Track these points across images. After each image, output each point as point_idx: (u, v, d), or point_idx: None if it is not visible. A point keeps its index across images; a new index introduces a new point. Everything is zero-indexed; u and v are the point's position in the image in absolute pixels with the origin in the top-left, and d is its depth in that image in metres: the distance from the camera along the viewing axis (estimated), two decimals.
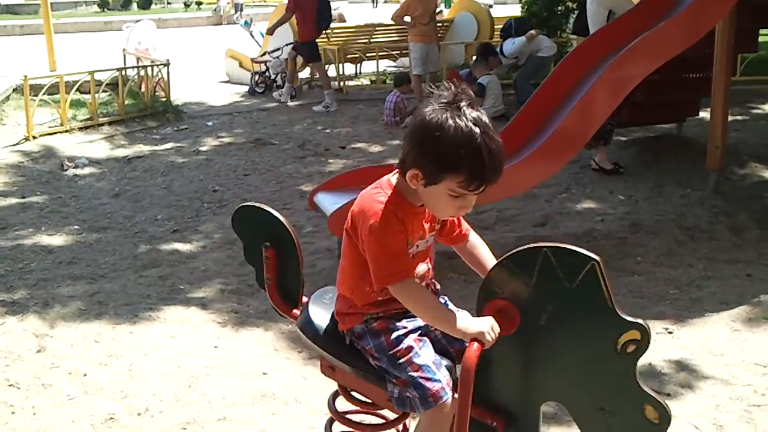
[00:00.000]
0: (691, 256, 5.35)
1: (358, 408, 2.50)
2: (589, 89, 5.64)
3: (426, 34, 11.34)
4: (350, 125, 10.57)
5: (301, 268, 2.50)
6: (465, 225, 2.35)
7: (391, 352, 2.19)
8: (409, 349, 2.17)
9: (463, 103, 1.97)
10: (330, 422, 2.53)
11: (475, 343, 1.97)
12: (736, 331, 4.21)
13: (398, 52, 14.68)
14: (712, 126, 6.55)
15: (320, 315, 2.41)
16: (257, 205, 2.58)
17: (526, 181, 5.73)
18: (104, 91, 10.76)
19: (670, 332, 4.23)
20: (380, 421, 2.55)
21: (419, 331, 2.24)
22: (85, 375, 3.91)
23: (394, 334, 2.20)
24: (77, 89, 10.32)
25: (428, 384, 2.12)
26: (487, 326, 1.98)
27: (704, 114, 7.83)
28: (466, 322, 2.03)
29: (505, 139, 6.33)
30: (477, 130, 1.93)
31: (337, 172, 7.64)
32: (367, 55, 14.65)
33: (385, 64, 15.34)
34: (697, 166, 6.94)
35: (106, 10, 36.66)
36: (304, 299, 2.54)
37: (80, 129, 9.98)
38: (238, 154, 9.06)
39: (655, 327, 4.29)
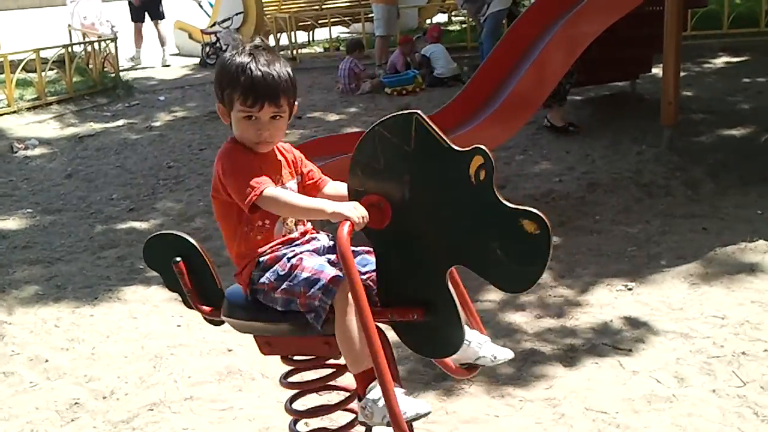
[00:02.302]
0: (648, 212, 5.42)
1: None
2: (543, 49, 5.65)
3: None
4: (305, 94, 10.45)
5: (213, 270, 2.51)
6: (323, 176, 2.49)
7: (285, 270, 2.26)
8: (300, 259, 2.27)
9: (248, 46, 2.29)
10: (290, 400, 2.53)
11: (346, 223, 2.05)
12: (694, 285, 4.29)
13: (351, 18, 14.54)
14: (665, 82, 6.60)
15: (236, 296, 2.42)
16: (154, 236, 2.60)
17: (484, 145, 5.72)
18: (51, 69, 10.49)
19: (630, 289, 4.30)
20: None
21: (309, 252, 2.33)
22: (46, 361, 3.85)
23: (284, 258, 2.30)
24: (23, 68, 10.05)
25: (322, 275, 2.19)
26: (350, 205, 2.11)
27: (657, 70, 7.88)
28: (333, 204, 2.15)
29: (462, 103, 6.34)
30: (247, 58, 2.25)
31: (294, 143, 7.45)
32: (320, 22, 14.49)
33: (338, 31, 15.18)
34: (652, 123, 7.01)
35: None
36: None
37: (28, 109, 9.74)
38: (192, 128, 8.92)
39: (615, 284, 4.36)
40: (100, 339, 4.07)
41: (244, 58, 2.25)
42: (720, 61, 10.38)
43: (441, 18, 16.45)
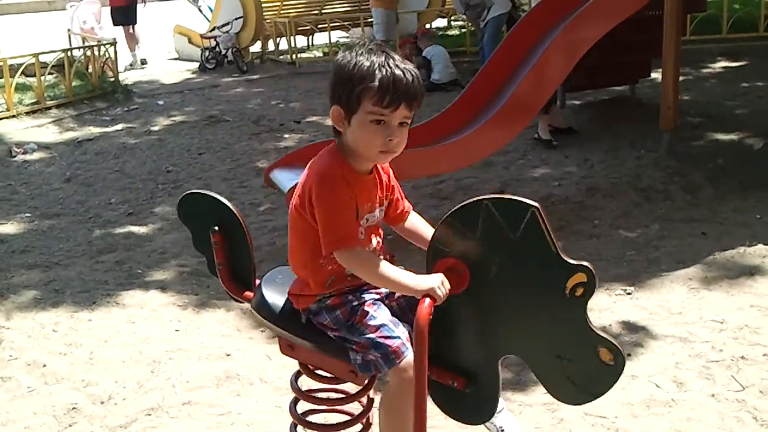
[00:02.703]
0: (647, 217, 5.42)
1: (321, 385, 2.49)
2: (542, 53, 5.65)
3: None
4: (304, 99, 10.47)
5: (251, 250, 2.48)
6: (407, 203, 2.39)
7: (349, 321, 2.21)
8: (365, 314, 2.20)
9: (371, 45, 2.11)
10: (294, 402, 2.52)
11: (427, 299, 1.99)
12: (693, 289, 4.28)
13: (350, 22, 14.55)
14: (664, 86, 6.60)
15: (274, 295, 2.39)
16: (201, 191, 2.56)
17: (483, 150, 5.75)
18: (50, 73, 10.50)
19: (629, 293, 4.29)
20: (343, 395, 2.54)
21: (373, 300, 2.27)
22: (44, 365, 3.83)
23: (349, 306, 2.23)
24: (22, 72, 10.05)
25: (388, 342, 2.14)
26: (437, 281, 2.00)
27: (656, 75, 7.89)
28: (416, 279, 2.05)
29: (461, 107, 6.33)
30: (381, 56, 2.06)
31: (292, 148, 7.58)
32: (319, 26, 14.50)
33: (338, 36, 15.19)
34: (651, 128, 7.01)
35: None
36: (257, 281, 2.51)
37: (27, 113, 9.74)
38: (191, 132, 8.92)
39: (614, 288, 4.35)
40: (98, 344, 4.06)
41: (378, 57, 2.05)
42: (719, 65, 10.40)
43: (440, 22, 16.48)
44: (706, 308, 4.03)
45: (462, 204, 1.99)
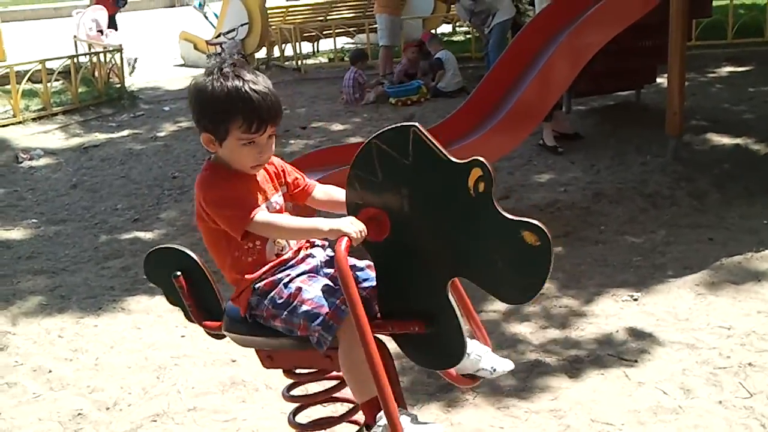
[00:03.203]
0: (654, 222, 5.40)
1: (317, 386, 2.49)
2: (547, 59, 5.65)
3: (391, 5, 11.26)
4: (309, 104, 10.48)
5: (213, 284, 2.50)
6: (309, 180, 2.44)
7: (283, 299, 2.21)
8: (299, 289, 2.21)
9: (225, 66, 2.15)
10: (294, 413, 2.52)
11: (344, 239, 2.03)
12: (700, 295, 4.27)
13: (355, 28, 14.57)
14: (670, 92, 6.59)
15: (237, 311, 2.39)
16: (158, 248, 2.59)
17: (488, 155, 5.63)
18: (57, 79, 10.53)
19: (635, 299, 4.27)
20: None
21: (306, 274, 2.27)
22: (50, 371, 3.84)
23: (281, 284, 2.24)
24: (29, 79, 10.09)
25: (322, 309, 2.15)
26: (347, 221, 2.07)
27: (662, 80, 7.87)
28: (329, 221, 2.11)
29: (467, 113, 6.31)
30: (236, 80, 2.12)
31: (298, 153, 7.58)
32: (324, 33, 14.53)
33: (343, 42, 15.21)
34: (657, 133, 6.99)
35: None
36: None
37: (34, 119, 9.78)
38: (197, 138, 8.71)
39: (620, 294, 4.34)
40: (104, 349, 4.06)
41: (234, 82, 2.12)
42: (724, 70, 10.37)
43: (446, 28, 16.49)
44: (713, 314, 4.02)
45: (356, 153, 2.06)
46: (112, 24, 13.93)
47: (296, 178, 2.41)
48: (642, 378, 3.46)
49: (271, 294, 2.23)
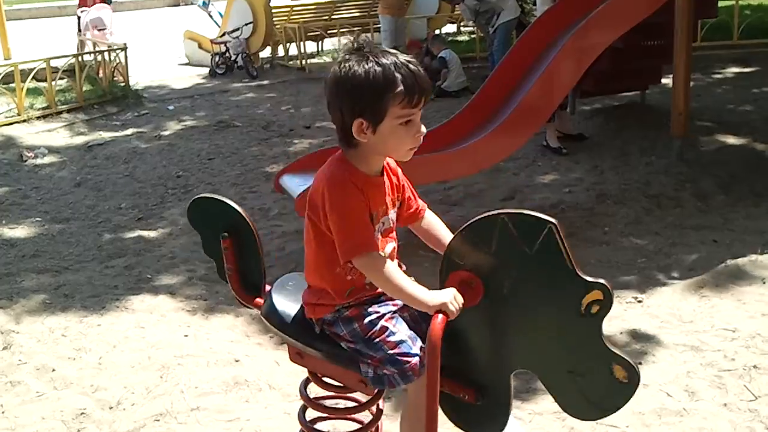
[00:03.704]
0: (658, 224, 5.39)
1: (330, 393, 2.47)
2: (552, 60, 5.63)
3: (395, 6, 11.27)
4: (314, 104, 10.47)
5: (261, 256, 2.46)
6: (420, 202, 2.37)
7: (366, 336, 2.18)
8: (384, 329, 2.17)
9: (360, 49, 2.07)
10: (303, 409, 2.50)
11: (440, 315, 1.97)
12: (705, 297, 4.25)
13: (360, 28, 14.55)
14: (675, 93, 6.57)
15: (285, 302, 2.37)
16: (212, 196, 2.54)
17: (492, 156, 5.73)
18: (61, 78, 10.54)
19: (640, 301, 4.26)
20: (353, 404, 2.53)
21: (391, 313, 2.23)
22: (53, 370, 3.83)
23: (367, 319, 2.19)
24: (33, 77, 10.10)
25: (405, 358, 2.12)
26: (450, 296, 2.00)
27: (667, 81, 7.85)
28: (430, 294, 2.04)
29: (471, 113, 6.28)
30: (386, 59, 2.02)
31: (302, 153, 7.58)
32: (329, 32, 14.52)
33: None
34: (661, 134, 6.98)
35: None
36: (267, 287, 2.50)
37: (38, 118, 9.78)
38: (201, 137, 8.94)
39: (625, 296, 4.32)
40: (107, 349, 4.06)
41: (384, 59, 2.02)
42: (730, 71, 10.35)
43: (450, 28, 16.49)
44: (718, 316, 4.00)
45: (478, 217, 1.98)
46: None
47: (410, 198, 2.32)
48: (646, 380, 3.44)
49: (354, 326, 2.19)
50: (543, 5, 7.51)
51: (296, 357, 2.39)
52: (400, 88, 2.00)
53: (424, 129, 2.11)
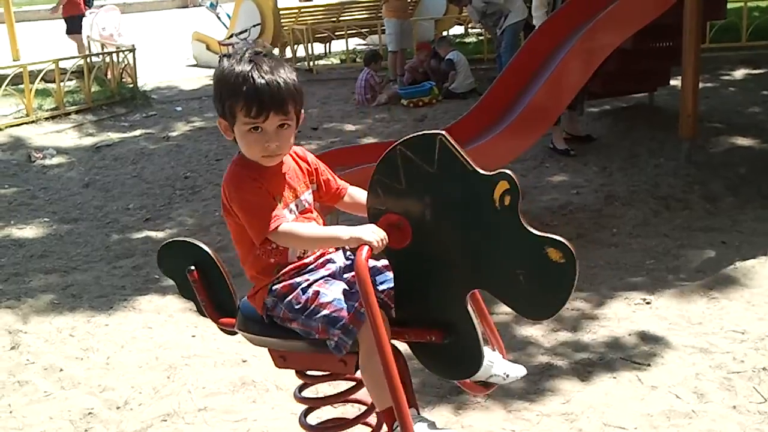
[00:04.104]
0: (667, 225, 5.37)
1: (329, 388, 2.47)
2: (560, 61, 5.62)
3: (400, 9, 11.25)
4: (321, 106, 10.48)
5: (229, 280, 2.49)
6: (342, 182, 2.42)
7: (301, 304, 2.19)
8: (316, 293, 2.19)
9: (248, 52, 2.15)
10: (305, 413, 2.50)
11: (365, 247, 2.01)
12: (714, 299, 4.23)
13: (367, 29, 14.57)
14: (683, 94, 6.55)
15: (251, 310, 2.38)
16: (174, 240, 2.59)
17: (500, 157, 5.70)
18: (70, 79, 10.57)
19: (648, 303, 4.25)
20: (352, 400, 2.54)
21: (323, 278, 2.25)
22: (61, 370, 3.85)
23: (299, 288, 2.22)
24: (42, 78, 10.12)
25: (341, 313, 2.12)
26: (368, 229, 2.06)
27: (675, 83, 7.83)
28: (350, 229, 2.09)
29: (478, 114, 6.27)
30: (248, 65, 2.11)
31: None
32: (336, 33, 14.53)
33: (355, 43, 15.21)
34: (670, 135, 6.96)
35: None
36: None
37: (47, 119, 9.80)
38: (209, 138, 8.95)
39: (633, 298, 4.31)
40: (115, 349, 4.06)
41: (245, 66, 2.11)
42: (739, 73, 10.31)
43: (458, 30, 16.47)
44: (727, 318, 3.99)
45: (380, 158, 2.04)
46: (77, 26, 13.79)
47: (328, 179, 2.38)
48: (655, 382, 3.44)
49: (288, 298, 2.21)
50: (536, 11, 7.37)
51: (280, 361, 2.40)
52: (240, 98, 2.09)
53: (278, 142, 2.14)
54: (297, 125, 2.21)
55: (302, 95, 2.20)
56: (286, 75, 2.13)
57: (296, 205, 2.24)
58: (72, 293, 4.79)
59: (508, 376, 2.29)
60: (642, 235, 5.25)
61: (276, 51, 14.37)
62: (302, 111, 2.22)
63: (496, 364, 2.27)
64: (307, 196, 2.30)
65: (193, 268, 2.47)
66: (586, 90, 6.76)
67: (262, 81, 2.08)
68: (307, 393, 2.53)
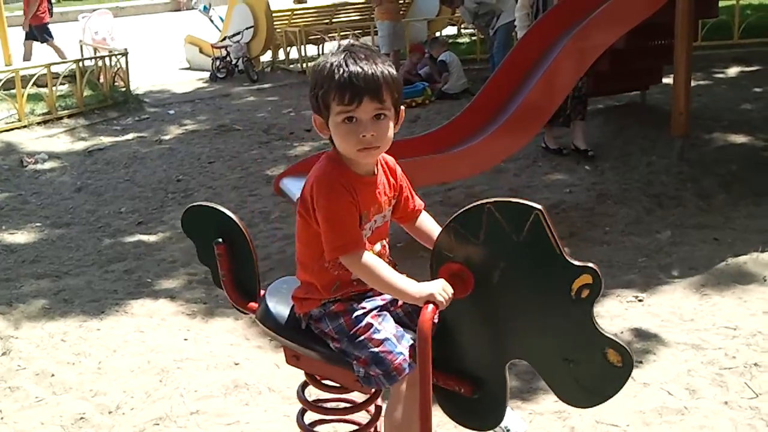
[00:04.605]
0: (659, 223, 5.37)
1: (329, 396, 2.46)
2: (553, 61, 5.62)
3: (392, 11, 11.27)
4: None
5: (256, 261, 2.46)
6: (418, 201, 2.37)
7: (351, 332, 2.17)
8: (369, 326, 2.16)
9: (347, 47, 2.08)
10: (302, 412, 2.49)
11: (430, 306, 1.97)
12: (706, 295, 4.23)
13: (360, 31, 14.56)
14: (676, 92, 6.56)
15: (278, 304, 2.37)
16: (204, 204, 2.55)
17: (493, 157, 5.72)
18: (62, 83, 10.54)
19: (641, 300, 4.25)
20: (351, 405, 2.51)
21: (378, 309, 2.22)
22: (52, 375, 3.83)
23: (353, 315, 2.19)
24: (34, 83, 10.10)
25: (390, 357, 2.10)
26: (439, 287, 2.00)
27: (667, 81, 7.84)
28: (419, 286, 2.04)
29: (471, 114, 6.27)
30: (342, 55, 2.04)
31: (303, 156, 7.57)
32: (329, 35, 14.52)
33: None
34: (662, 133, 6.96)
35: (61, 0, 35.90)
36: (262, 292, 2.49)
37: (39, 123, 9.78)
38: (202, 141, 8.94)
39: (626, 295, 4.31)
40: (107, 353, 4.05)
41: (339, 57, 2.04)
42: (731, 71, 10.33)
43: (450, 30, 16.48)
44: (719, 315, 3.99)
45: (465, 208, 1.98)
46: (47, 33, 13.78)
47: (408, 198, 2.33)
48: (647, 379, 3.43)
49: (340, 321, 2.19)
50: (521, 10, 7.31)
51: (292, 359, 2.39)
52: (333, 84, 2.02)
53: (374, 132, 2.05)
54: (396, 121, 2.13)
55: (401, 87, 2.12)
56: (382, 64, 2.05)
57: (375, 221, 2.20)
58: (64, 298, 4.78)
59: (508, 430, 2.29)
60: (634, 232, 5.25)
61: (269, 53, 14.38)
62: (402, 107, 2.15)
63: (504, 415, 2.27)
64: (387, 214, 2.25)
65: (221, 240, 2.42)
66: (586, 98, 6.78)
67: (356, 67, 2.01)
68: (309, 393, 2.50)
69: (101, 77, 11.44)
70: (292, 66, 14.21)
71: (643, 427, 3.09)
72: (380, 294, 2.24)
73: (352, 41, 2.14)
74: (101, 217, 6.45)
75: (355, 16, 15.46)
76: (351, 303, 2.21)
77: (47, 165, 8.25)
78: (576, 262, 1.87)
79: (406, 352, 2.12)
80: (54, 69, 10.29)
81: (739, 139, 7.17)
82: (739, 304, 4.09)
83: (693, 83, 6.98)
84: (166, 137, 9.33)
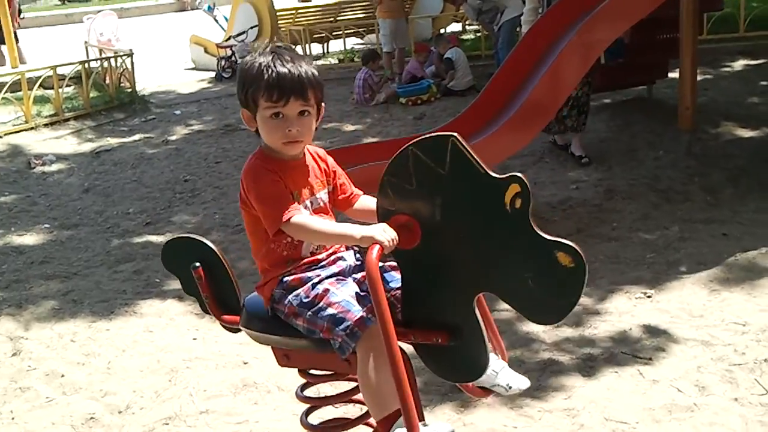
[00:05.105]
0: (667, 218, 5.36)
1: (331, 388, 2.47)
2: (558, 56, 5.61)
3: (394, 9, 11.25)
4: None
5: (232, 277, 2.49)
6: (356, 189, 2.44)
7: (309, 298, 2.20)
8: (326, 291, 2.19)
9: (272, 47, 2.22)
10: (306, 413, 2.50)
11: (376, 247, 2.00)
12: (715, 291, 4.22)
13: (365, 29, 14.57)
14: (682, 86, 6.55)
15: (258, 308, 2.38)
16: (179, 237, 2.60)
17: (499, 153, 5.70)
18: (68, 85, 10.57)
19: (649, 296, 4.24)
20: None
21: (335, 277, 2.26)
22: (62, 376, 3.85)
23: (309, 282, 2.24)
24: (40, 85, 10.13)
25: (348, 315, 2.12)
26: (379, 228, 2.06)
27: (674, 75, 7.82)
28: (361, 228, 2.10)
29: (477, 111, 6.26)
30: (269, 56, 2.18)
31: None
32: (334, 33, 14.53)
33: (353, 42, 15.20)
34: (669, 128, 6.94)
35: (66, 2, 36.03)
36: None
37: (46, 125, 9.81)
38: (208, 141, 8.95)
39: (634, 291, 4.30)
40: (116, 353, 4.06)
41: (267, 57, 2.17)
42: (737, 64, 10.28)
43: (455, 27, 16.45)
44: (728, 310, 3.97)
45: (391, 159, 2.03)
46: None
47: (344, 184, 2.41)
48: (656, 376, 3.43)
49: (297, 291, 2.23)
50: (530, 3, 7.32)
51: (284, 360, 2.39)
52: (262, 84, 2.15)
53: (299, 127, 2.19)
54: (317, 117, 2.27)
55: (322, 87, 2.26)
56: (306, 66, 2.20)
57: (311, 203, 2.27)
58: (73, 299, 4.80)
59: (510, 387, 2.28)
60: (642, 228, 5.24)
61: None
62: (323, 104, 2.28)
63: (501, 374, 2.26)
64: (323, 195, 2.32)
65: (198, 264, 2.46)
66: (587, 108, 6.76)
67: (284, 69, 2.15)
68: (309, 392, 2.52)
69: (107, 78, 11.47)
70: None
71: (653, 424, 3.08)
72: (334, 263, 2.29)
73: (278, 43, 2.27)
74: (109, 217, 6.47)
75: (360, 14, 15.44)
76: (306, 274, 2.26)
77: (55, 167, 8.27)
78: (499, 175, 1.91)
79: (366, 308, 2.13)
80: (60, 71, 10.31)
81: (747, 132, 7.14)
82: (749, 299, 4.08)
83: (699, 77, 6.96)
84: (173, 137, 9.35)
